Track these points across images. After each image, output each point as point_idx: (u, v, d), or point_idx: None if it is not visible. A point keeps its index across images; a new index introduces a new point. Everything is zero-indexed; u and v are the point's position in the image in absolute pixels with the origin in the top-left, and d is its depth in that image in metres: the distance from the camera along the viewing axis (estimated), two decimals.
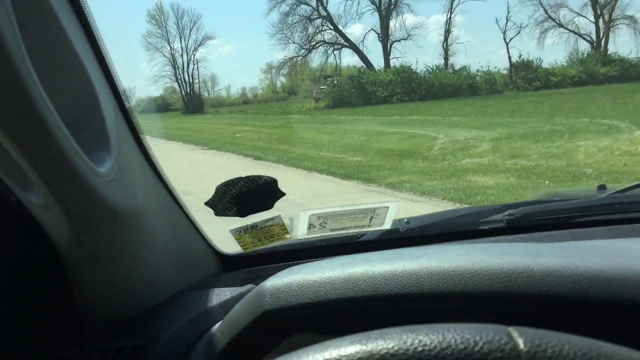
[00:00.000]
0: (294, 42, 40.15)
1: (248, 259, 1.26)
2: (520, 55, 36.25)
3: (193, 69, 61.29)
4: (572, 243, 1.08)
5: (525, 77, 34.35)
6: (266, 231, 1.12)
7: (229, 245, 1.24)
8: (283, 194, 1.12)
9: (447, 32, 40.96)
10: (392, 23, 39.45)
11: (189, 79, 60.73)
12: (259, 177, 1.10)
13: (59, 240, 0.83)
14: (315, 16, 39.59)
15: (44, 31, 0.68)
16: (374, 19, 41.43)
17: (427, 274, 0.64)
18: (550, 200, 1.48)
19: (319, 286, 0.67)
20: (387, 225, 1.16)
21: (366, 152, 11.18)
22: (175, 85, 63.74)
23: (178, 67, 60.32)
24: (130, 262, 0.92)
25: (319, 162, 9.87)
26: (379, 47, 40.33)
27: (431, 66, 35.72)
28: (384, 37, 38.89)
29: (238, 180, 1.09)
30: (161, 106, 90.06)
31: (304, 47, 40.25)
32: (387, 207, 1.15)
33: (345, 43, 39.73)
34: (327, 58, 40.55)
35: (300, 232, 1.15)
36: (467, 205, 4.88)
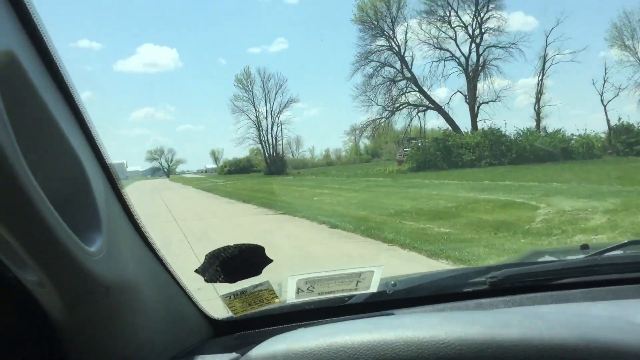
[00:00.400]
0: (377, 104, 39.45)
1: (240, 323, 1.27)
2: (619, 119, 33.69)
3: (277, 131, 62.57)
4: (545, 309, 1.15)
5: (626, 141, 31.82)
6: (256, 296, 1.15)
7: (222, 311, 1.24)
8: (270, 261, 1.16)
9: (539, 93, 39.22)
10: (479, 85, 38.14)
11: (272, 141, 61.78)
12: (247, 245, 1.15)
13: (55, 315, 0.83)
14: (399, 78, 38.98)
15: (30, 116, 0.70)
16: (461, 81, 40.18)
17: (403, 343, 0.71)
18: (532, 262, 1.60)
19: (302, 357, 0.72)
20: (373, 288, 1.17)
21: (455, 221, 9.88)
22: (259, 146, 65.47)
23: (262, 129, 61.84)
24: (123, 332, 0.93)
25: (401, 234, 8.65)
26: (465, 109, 39.01)
27: (522, 129, 33.81)
28: (471, 99, 37.59)
29: (227, 248, 1.13)
30: (246, 167, 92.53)
31: (387, 109, 39.45)
32: (373, 272, 1.17)
33: (430, 105, 38.70)
34: (411, 120, 39.47)
35: (289, 296, 1.17)
36: None
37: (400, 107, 39.24)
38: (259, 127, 61.48)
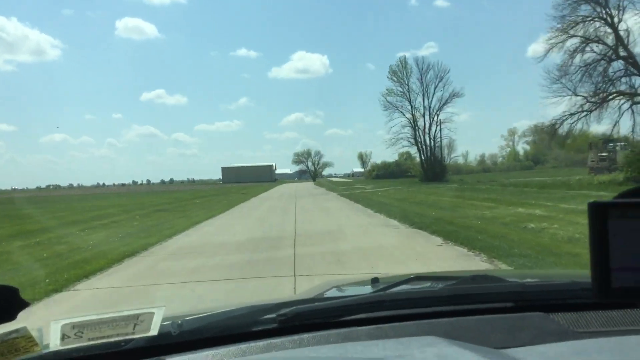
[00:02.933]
0: (576, 94, 30.05)
1: None
2: None
3: (435, 131, 54.42)
4: (325, 350, 1.14)
5: None
6: (10, 345, 1.02)
7: None
8: (27, 304, 1.09)
9: None
10: None
11: (430, 142, 54.13)
12: None
13: None
14: (614, 57, 29.21)
15: None
16: None
17: None
18: (322, 298, 1.58)
19: None
20: (153, 331, 1.09)
21: None
22: (413, 149, 57.55)
23: (419, 128, 54.41)
24: None
25: None
26: None
27: None
28: None
29: None
30: (395, 172, 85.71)
31: (590, 100, 29.81)
32: (152, 313, 1.10)
33: None
34: (620, 115, 29.43)
35: (52, 343, 1.04)
36: None
37: (610, 98, 29.46)
38: (414, 126, 53.84)
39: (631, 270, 0.80)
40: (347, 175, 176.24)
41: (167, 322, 1.19)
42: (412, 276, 1.62)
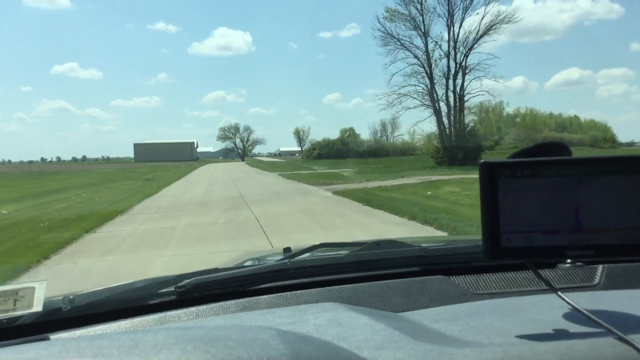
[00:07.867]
0: None
1: None
2: None
3: (461, 90, 31.05)
4: (220, 320, 1.07)
5: None
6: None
7: None
8: None
9: None
10: None
11: (455, 102, 30.69)
12: None
13: None
14: None
15: None
16: None
17: None
18: (227, 268, 1.42)
19: None
20: (37, 307, 1.02)
21: None
22: (422, 112, 36.33)
23: (436, 78, 31.95)
24: None
25: None
26: None
27: None
28: None
29: None
30: (340, 151, 67.40)
31: None
32: (33, 288, 1.02)
33: None
34: None
35: None
36: None
37: None
38: (430, 74, 31.37)
39: (519, 232, 0.80)
40: (273, 155, 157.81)
41: (58, 298, 1.10)
42: (317, 243, 1.51)
